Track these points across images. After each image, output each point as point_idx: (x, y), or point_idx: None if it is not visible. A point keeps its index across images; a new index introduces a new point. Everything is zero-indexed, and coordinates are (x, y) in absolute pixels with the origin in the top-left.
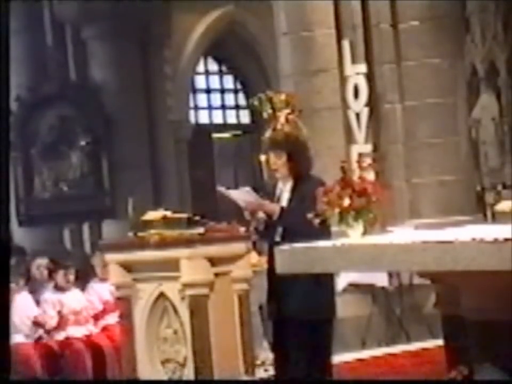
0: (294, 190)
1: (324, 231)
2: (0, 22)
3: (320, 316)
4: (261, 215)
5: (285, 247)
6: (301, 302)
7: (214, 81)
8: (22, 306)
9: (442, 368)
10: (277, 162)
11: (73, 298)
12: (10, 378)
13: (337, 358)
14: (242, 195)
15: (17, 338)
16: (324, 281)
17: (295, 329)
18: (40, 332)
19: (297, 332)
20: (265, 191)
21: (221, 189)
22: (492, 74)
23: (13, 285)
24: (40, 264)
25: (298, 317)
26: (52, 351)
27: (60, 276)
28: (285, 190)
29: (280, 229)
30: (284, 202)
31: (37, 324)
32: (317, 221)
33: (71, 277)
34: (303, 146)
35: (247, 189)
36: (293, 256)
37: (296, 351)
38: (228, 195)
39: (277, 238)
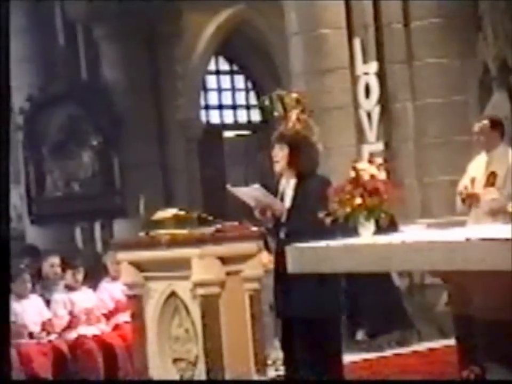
0: (297, 188)
1: (329, 230)
2: (0, 22)
3: (326, 315)
4: (269, 214)
5: (295, 246)
6: (307, 300)
7: (225, 81)
8: (33, 309)
9: (454, 368)
10: (278, 153)
11: (84, 298)
12: (11, 378)
13: (346, 358)
14: (251, 192)
15: (27, 339)
16: (330, 280)
17: (302, 328)
18: (51, 336)
19: (305, 331)
20: (274, 189)
21: (231, 188)
22: (504, 73)
23: (28, 285)
24: (53, 263)
25: (305, 315)
26: (63, 350)
27: (68, 276)
28: (288, 188)
29: (285, 227)
30: (287, 199)
31: (45, 330)
32: (328, 220)
33: (80, 277)
34: (306, 143)
35: (256, 186)
36: (303, 256)
37: (304, 350)
38: (236, 193)
39: (282, 235)
